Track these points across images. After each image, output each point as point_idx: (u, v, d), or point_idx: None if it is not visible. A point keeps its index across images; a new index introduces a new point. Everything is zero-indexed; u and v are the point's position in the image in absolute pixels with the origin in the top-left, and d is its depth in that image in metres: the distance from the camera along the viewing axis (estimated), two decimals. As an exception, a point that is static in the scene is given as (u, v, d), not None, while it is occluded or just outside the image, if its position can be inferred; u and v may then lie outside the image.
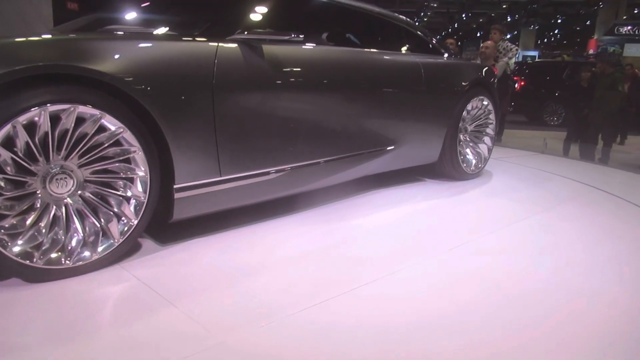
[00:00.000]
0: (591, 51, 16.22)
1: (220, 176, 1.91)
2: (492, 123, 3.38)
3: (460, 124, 3.11)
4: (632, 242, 2.19)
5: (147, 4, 2.45)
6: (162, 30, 2.02)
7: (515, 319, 1.44)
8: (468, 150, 3.29)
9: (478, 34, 22.81)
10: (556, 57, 14.50)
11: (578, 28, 22.35)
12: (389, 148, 2.71)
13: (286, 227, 2.15)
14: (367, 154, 2.58)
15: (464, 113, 3.13)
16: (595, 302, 1.57)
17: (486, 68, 3.41)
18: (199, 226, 2.05)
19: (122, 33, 1.81)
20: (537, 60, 15.67)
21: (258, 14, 2.12)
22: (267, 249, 1.90)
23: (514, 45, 4.50)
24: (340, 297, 1.51)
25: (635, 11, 18.15)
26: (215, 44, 1.85)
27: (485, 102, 3.30)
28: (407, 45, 2.97)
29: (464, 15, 20.34)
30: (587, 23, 19.97)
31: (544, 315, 1.47)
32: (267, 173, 2.05)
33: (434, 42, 3.21)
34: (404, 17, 3.03)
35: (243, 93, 1.89)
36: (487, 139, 3.40)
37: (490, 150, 3.42)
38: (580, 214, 2.61)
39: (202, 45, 1.82)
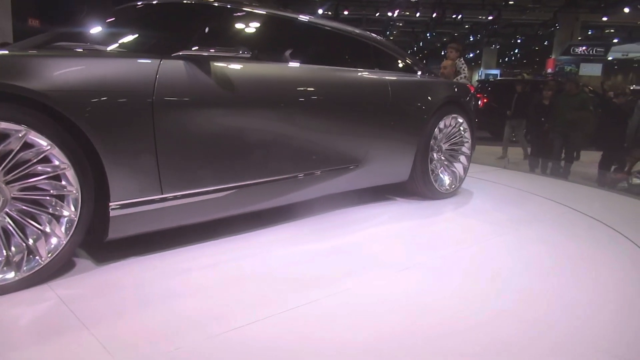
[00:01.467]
0: (549, 70, 17.03)
1: (162, 194, 1.87)
2: (467, 141, 3.35)
3: (431, 142, 3.07)
4: (591, 262, 2.14)
5: (109, 20, 2.44)
6: (115, 47, 2.02)
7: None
8: (442, 169, 3.25)
9: (442, 53, 23.56)
10: (516, 76, 15.11)
11: (537, 48, 23.22)
12: (352, 166, 2.68)
13: (235, 246, 2.12)
14: (329, 172, 2.54)
15: (436, 131, 3.09)
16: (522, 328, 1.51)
17: (461, 86, 3.37)
18: (142, 245, 2.01)
19: (62, 50, 1.79)
20: (498, 78, 15.98)
21: (209, 30, 2.11)
22: (206, 268, 1.86)
23: (464, 66, 4.49)
24: (272, 318, 1.48)
25: (589, 32, 19.49)
26: (158, 60, 1.83)
27: (459, 120, 3.27)
28: (376, 63, 2.93)
29: (428, 35, 20.97)
30: (545, 43, 20.75)
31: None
32: (214, 192, 2.02)
33: (407, 60, 3.16)
34: (374, 35, 3.01)
35: (187, 110, 1.87)
36: (462, 158, 3.36)
37: (466, 170, 3.38)
38: (547, 235, 2.57)
39: (142, 62, 1.80)
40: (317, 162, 2.48)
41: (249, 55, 2.00)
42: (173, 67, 1.87)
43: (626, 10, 14.14)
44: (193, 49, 1.92)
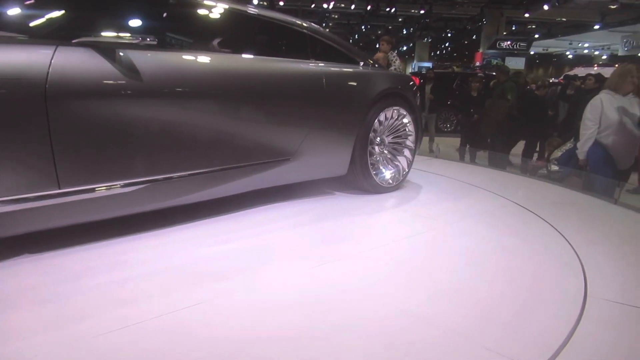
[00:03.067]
0: (478, 63, 18.02)
1: (59, 189, 1.77)
2: (411, 135, 3.32)
3: (371, 135, 3.02)
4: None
5: (27, 2, 2.30)
6: (12, 31, 1.90)
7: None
8: (384, 163, 3.21)
9: (377, 45, 24.22)
10: (447, 69, 15.71)
11: (466, 42, 24.23)
12: (284, 160, 2.62)
13: (141, 243, 2.06)
14: (256, 166, 2.48)
15: (376, 124, 3.05)
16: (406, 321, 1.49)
17: (404, 78, 3.34)
18: (45, 241, 1.96)
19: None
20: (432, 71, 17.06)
21: (117, 16, 2.01)
22: (89, 269, 1.80)
23: (396, 58, 4.49)
24: (152, 320, 1.44)
25: (513, 28, 20.82)
26: (53, 46, 1.73)
27: (402, 112, 3.24)
28: (311, 53, 2.87)
29: (363, 27, 21.37)
30: (474, 37, 21.67)
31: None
32: (121, 186, 1.94)
33: (346, 51, 3.11)
34: (309, 24, 2.94)
35: (88, 100, 1.79)
36: (406, 152, 3.33)
37: (410, 163, 3.35)
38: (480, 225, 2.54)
39: (35, 48, 1.70)
40: (242, 156, 2.42)
41: (154, 43, 1.91)
42: (71, 54, 1.78)
43: (546, 7, 14.98)
44: (95, 35, 1.82)
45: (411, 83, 3.44)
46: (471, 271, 1.95)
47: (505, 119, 6.05)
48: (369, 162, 3.03)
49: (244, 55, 2.45)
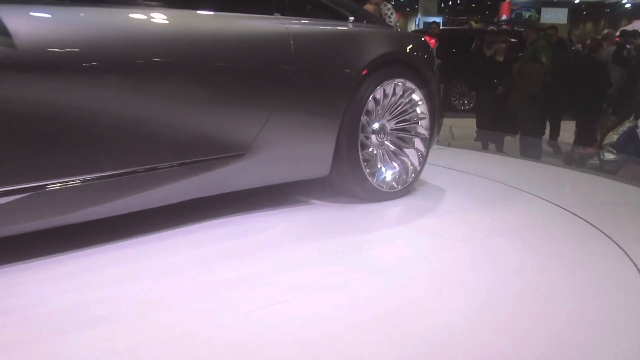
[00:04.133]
0: (504, 17, 17.59)
1: None
2: (424, 118, 3.26)
3: (363, 120, 2.98)
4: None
5: None
6: None
7: None
8: (384, 158, 3.17)
9: None
10: (463, 24, 15.63)
11: None
12: (234, 156, 2.59)
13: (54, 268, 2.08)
14: (192, 167, 2.45)
15: (370, 103, 2.99)
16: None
17: (412, 38, 3.32)
18: None
19: None
20: (440, 28, 16.83)
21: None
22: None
23: (392, 12, 4.41)
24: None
25: None
26: None
27: (409, 87, 3.17)
28: (276, 6, 2.83)
29: None
30: None
31: None
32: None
33: (329, 0, 3.10)
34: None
35: None
36: (417, 142, 3.28)
37: (423, 158, 3.29)
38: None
39: None
40: (170, 152, 2.38)
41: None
42: None
43: None
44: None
45: (423, 46, 3.40)
46: (481, 321, 1.85)
47: (538, 90, 6.20)
48: (360, 157, 2.98)
49: (169, 10, 2.43)
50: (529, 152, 5.26)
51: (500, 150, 5.69)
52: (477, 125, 7.17)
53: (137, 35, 2.23)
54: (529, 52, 6.56)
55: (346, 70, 2.91)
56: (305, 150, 2.86)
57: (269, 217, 2.84)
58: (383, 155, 3.17)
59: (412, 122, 3.26)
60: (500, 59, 7.01)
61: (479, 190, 3.52)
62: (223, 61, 2.53)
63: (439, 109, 3.41)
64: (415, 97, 3.23)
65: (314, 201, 3.14)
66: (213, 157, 2.53)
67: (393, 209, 3.10)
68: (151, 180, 2.34)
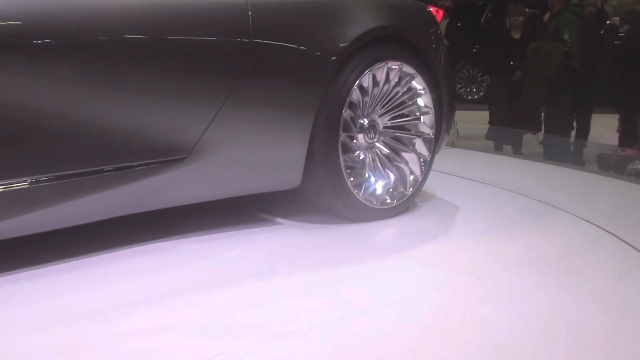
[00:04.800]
0: None
1: None
2: (427, 112, 3.20)
3: (346, 114, 2.92)
4: None
5: None
6: None
7: None
8: (374, 164, 3.11)
9: None
10: None
11: None
12: (171, 160, 2.53)
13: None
14: (114, 175, 2.40)
15: (355, 94, 2.93)
16: None
17: (410, 8, 3.33)
18: None
19: None
20: None
21: None
22: None
23: None
24: None
25: None
26: None
27: (408, 72, 3.10)
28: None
29: None
30: None
31: None
32: None
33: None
34: None
35: None
36: (419, 144, 3.21)
37: (426, 165, 3.23)
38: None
39: None
40: (82, 157, 2.33)
41: None
42: None
43: None
44: None
45: (427, 18, 3.37)
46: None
47: (556, 76, 6.30)
48: (342, 163, 2.91)
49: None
50: (554, 155, 5.36)
51: (518, 151, 5.73)
52: (490, 120, 7.17)
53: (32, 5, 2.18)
54: (552, 26, 6.57)
55: (322, 51, 2.86)
56: (268, 154, 2.81)
57: (219, 241, 2.80)
58: (373, 160, 3.11)
59: (412, 117, 3.22)
60: (517, 35, 6.94)
61: (494, 206, 3.51)
62: (155, 38, 2.47)
63: (449, 101, 3.38)
64: (416, 85, 3.17)
65: (280, 220, 3.11)
66: (141, 162, 2.47)
67: (385, 231, 3.08)
68: (55, 194, 2.29)
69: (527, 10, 6.96)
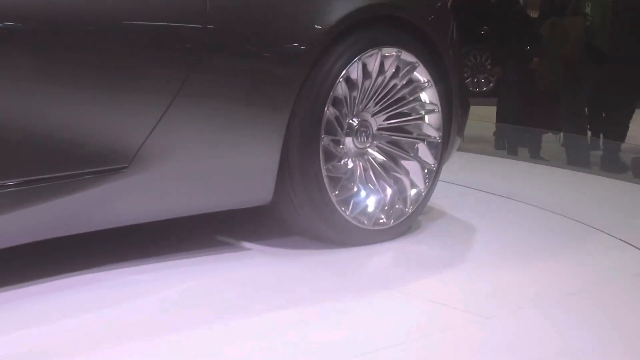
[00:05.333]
0: None
1: None
2: (433, 110, 3.19)
3: (329, 113, 2.89)
4: None
5: None
6: None
7: None
8: (367, 175, 3.10)
9: None
10: None
11: None
12: (107, 170, 2.49)
13: None
14: (32, 190, 2.36)
15: (340, 87, 2.90)
16: None
17: None
18: None
19: None
20: None
21: None
22: None
23: None
24: None
25: None
26: None
27: (408, 61, 3.07)
28: None
29: None
30: None
31: None
32: None
33: None
34: None
35: None
36: (423, 150, 3.19)
37: (432, 175, 3.21)
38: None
39: None
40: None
41: None
42: None
43: None
44: None
45: None
46: None
47: (574, 56, 6.47)
48: (324, 173, 2.88)
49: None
50: (579, 159, 5.62)
51: (536, 155, 5.82)
52: (499, 117, 7.32)
53: None
54: (574, 3, 6.76)
55: (298, 35, 2.87)
56: (229, 163, 2.81)
57: (167, 271, 2.74)
58: (365, 170, 3.10)
59: (414, 117, 3.19)
60: (535, 14, 7.14)
61: (512, 225, 3.50)
62: (85, 20, 2.47)
63: (461, 95, 3.39)
64: (420, 77, 3.14)
65: (247, 245, 3.05)
66: (69, 173, 2.44)
67: (376, 258, 3.05)
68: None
69: None
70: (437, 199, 3.62)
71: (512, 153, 5.97)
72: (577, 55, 6.47)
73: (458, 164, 4.43)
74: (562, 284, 2.80)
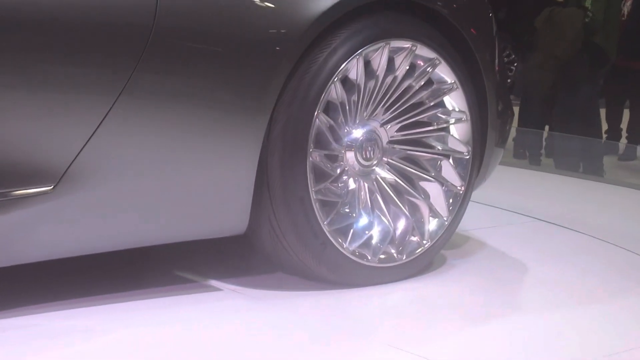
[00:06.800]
0: None
1: None
2: (461, 119, 2.94)
3: (319, 122, 2.67)
4: None
5: None
6: None
7: None
8: (374, 199, 2.85)
9: None
10: None
11: None
12: (29, 191, 2.31)
13: None
14: None
15: (335, 89, 2.67)
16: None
17: None
18: None
19: None
20: None
21: None
22: None
23: None
24: None
25: None
26: None
27: (427, 57, 2.83)
28: None
29: None
30: None
31: None
32: None
33: None
34: None
35: None
36: (447, 169, 2.93)
37: (458, 200, 2.97)
38: None
39: None
40: None
41: None
42: None
43: None
44: None
45: None
46: None
47: (570, 52, 6.60)
48: (312, 196, 2.65)
49: None
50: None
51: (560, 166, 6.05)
52: (520, 121, 7.36)
53: None
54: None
55: (278, 24, 2.64)
56: (190, 182, 2.58)
57: (110, 315, 2.49)
58: (371, 193, 2.84)
59: (435, 127, 2.94)
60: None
61: (561, 258, 3.29)
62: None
63: (501, 100, 3.13)
64: (446, 76, 2.88)
65: (215, 283, 2.78)
66: None
67: (377, 306, 2.75)
68: None
69: None
70: (471, 225, 3.49)
71: (535, 163, 6.12)
72: (566, 51, 6.65)
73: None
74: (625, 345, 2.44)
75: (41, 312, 2.47)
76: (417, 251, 2.82)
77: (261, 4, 2.64)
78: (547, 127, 7.70)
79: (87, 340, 2.33)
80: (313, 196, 2.60)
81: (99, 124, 2.30)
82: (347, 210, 2.77)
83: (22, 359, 2.16)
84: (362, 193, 2.79)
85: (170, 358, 2.24)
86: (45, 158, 2.30)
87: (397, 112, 2.82)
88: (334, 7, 2.58)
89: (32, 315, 2.46)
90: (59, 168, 2.28)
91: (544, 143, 7.09)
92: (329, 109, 2.66)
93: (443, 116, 2.90)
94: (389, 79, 2.76)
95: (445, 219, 2.89)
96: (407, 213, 2.84)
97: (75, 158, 2.30)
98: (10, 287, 2.62)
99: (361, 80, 2.70)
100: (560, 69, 6.68)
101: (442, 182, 2.89)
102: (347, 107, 2.71)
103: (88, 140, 2.29)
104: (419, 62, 2.85)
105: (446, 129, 2.91)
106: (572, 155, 6.77)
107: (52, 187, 2.25)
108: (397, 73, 2.77)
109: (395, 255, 2.78)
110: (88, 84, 2.35)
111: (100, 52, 2.39)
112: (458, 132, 2.92)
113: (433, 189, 2.88)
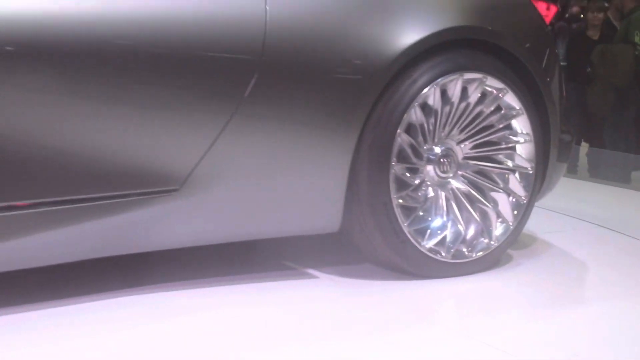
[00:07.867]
0: None
1: None
2: (527, 140, 3.10)
3: (401, 140, 2.83)
4: None
5: None
6: None
7: None
8: (449, 205, 3.03)
9: None
10: None
11: None
12: (157, 192, 2.51)
13: None
14: (76, 211, 2.39)
15: (415, 114, 2.84)
16: None
17: (511, 3, 3.27)
18: None
19: None
20: None
21: None
22: None
23: None
24: None
25: None
26: None
27: (496, 87, 2.99)
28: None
29: None
30: None
31: None
32: None
33: None
34: None
35: None
36: (513, 181, 3.10)
37: (521, 210, 3.10)
38: None
39: None
40: (40, 185, 2.34)
41: None
42: None
43: None
44: None
45: (528, 16, 3.32)
46: None
47: (626, 82, 6.71)
48: (394, 202, 2.81)
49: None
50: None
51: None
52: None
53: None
54: (622, 27, 7.05)
55: (368, 58, 2.78)
56: (291, 187, 2.77)
57: (217, 296, 2.69)
58: (447, 200, 3.03)
59: (504, 146, 3.10)
60: (595, 36, 7.31)
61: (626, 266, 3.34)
62: (144, 43, 2.46)
63: (561, 125, 3.27)
64: (512, 102, 3.05)
65: (312, 271, 2.98)
66: (117, 194, 2.45)
67: (455, 298, 2.95)
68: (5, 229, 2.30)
69: (608, 5, 7.37)
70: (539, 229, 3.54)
71: (594, 176, 6.35)
72: (625, 82, 6.83)
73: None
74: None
75: (165, 290, 2.69)
76: (486, 250, 3.01)
77: (354, 43, 2.78)
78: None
79: (196, 315, 2.51)
80: (394, 202, 2.80)
81: (217, 137, 2.51)
82: (425, 213, 2.96)
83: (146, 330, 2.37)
84: (439, 200, 2.98)
85: (272, 332, 2.41)
86: (173, 164, 2.51)
87: (471, 133, 3.00)
88: (414, 45, 2.78)
89: (151, 294, 2.65)
90: (184, 172, 2.51)
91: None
92: (410, 129, 2.86)
93: (511, 137, 3.06)
94: (463, 105, 2.94)
95: (510, 224, 3.04)
96: (478, 218, 3.01)
97: (197, 165, 2.52)
98: (142, 267, 2.86)
99: (438, 105, 2.87)
100: (617, 95, 6.72)
101: (509, 193, 3.05)
102: (426, 128, 2.89)
103: (208, 150, 2.52)
104: (489, 90, 3.01)
105: (513, 148, 3.07)
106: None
107: (177, 187, 2.51)
108: (470, 100, 2.95)
109: (466, 253, 2.97)
110: (208, 105, 2.56)
111: (219, 79, 2.57)
112: (523, 150, 3.07)
113: (501, 198, 3.04)
